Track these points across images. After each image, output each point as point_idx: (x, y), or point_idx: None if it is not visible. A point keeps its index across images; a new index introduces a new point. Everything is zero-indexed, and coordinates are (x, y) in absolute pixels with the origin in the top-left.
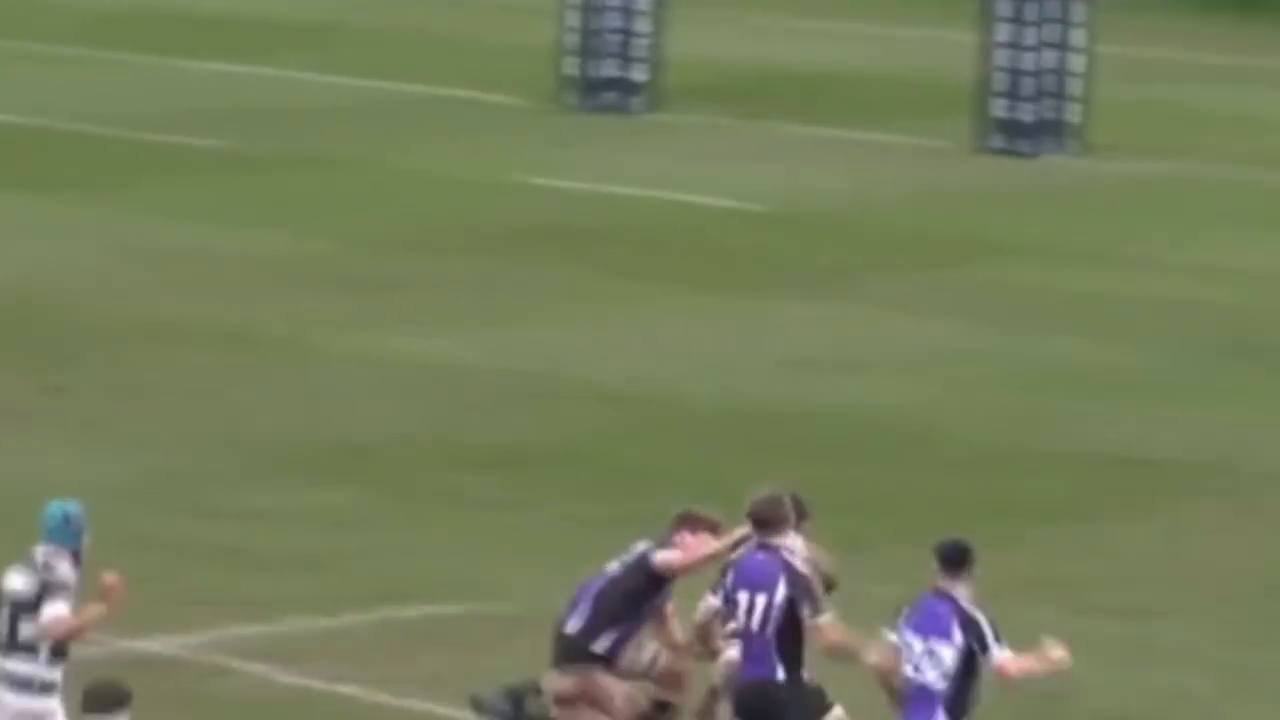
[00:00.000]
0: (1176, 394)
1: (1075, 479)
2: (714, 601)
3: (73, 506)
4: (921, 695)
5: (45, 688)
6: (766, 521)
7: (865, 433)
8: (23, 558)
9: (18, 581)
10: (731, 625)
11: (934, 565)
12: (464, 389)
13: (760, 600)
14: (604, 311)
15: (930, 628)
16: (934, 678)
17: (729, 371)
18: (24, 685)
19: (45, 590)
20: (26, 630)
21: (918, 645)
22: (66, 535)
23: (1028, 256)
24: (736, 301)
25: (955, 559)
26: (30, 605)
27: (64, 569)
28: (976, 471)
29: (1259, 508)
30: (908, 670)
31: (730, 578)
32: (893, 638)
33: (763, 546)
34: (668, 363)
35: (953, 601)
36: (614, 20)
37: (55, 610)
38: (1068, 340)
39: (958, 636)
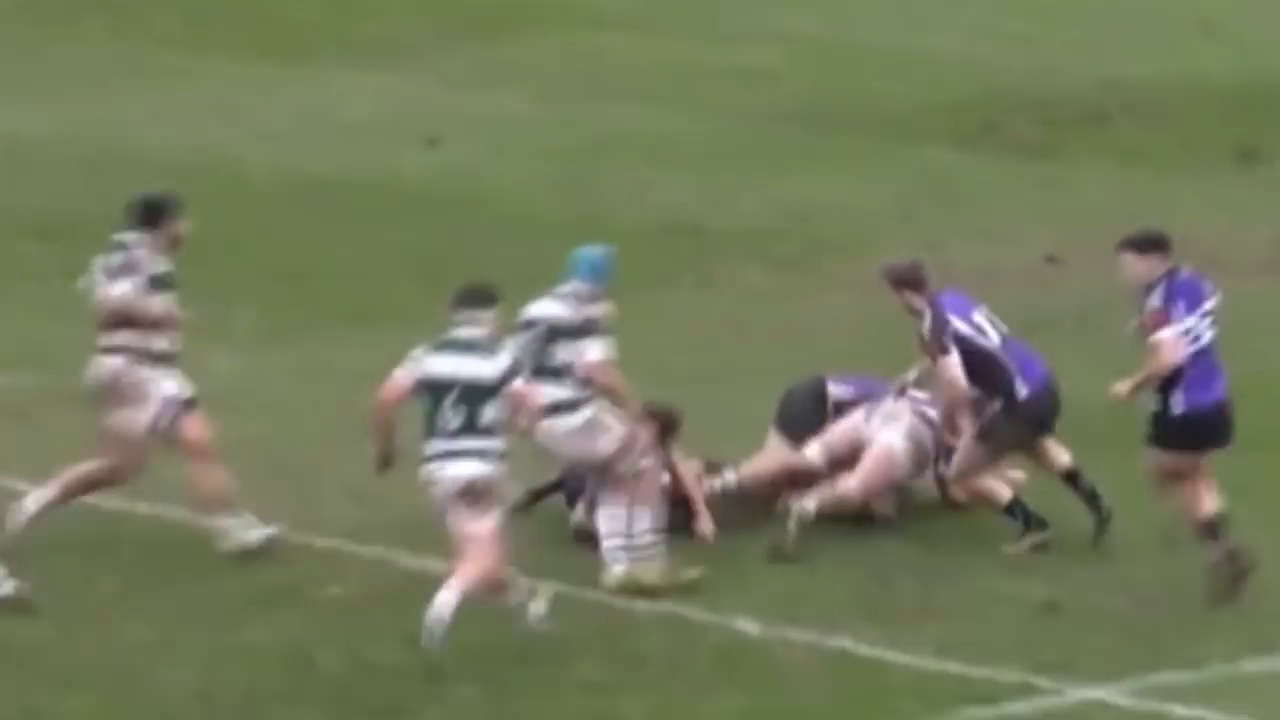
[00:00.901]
0: (733, 162)
1: (633, 246)
2: None
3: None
4: None
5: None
6: None
7: (421, 198)
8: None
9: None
10: None
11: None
12: (19, 159)
13: None
14: (162, 83)
15: None
16: None
17: (289, 141)
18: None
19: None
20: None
21: None
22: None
23: (582, 25)
24: (296, 71)
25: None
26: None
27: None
28: (526, 236)
29: (816, 271)
30: None
31: None
32: None
33: None
34: (228, 133)
35: None
36: None
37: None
38: (621, 108)
39: None
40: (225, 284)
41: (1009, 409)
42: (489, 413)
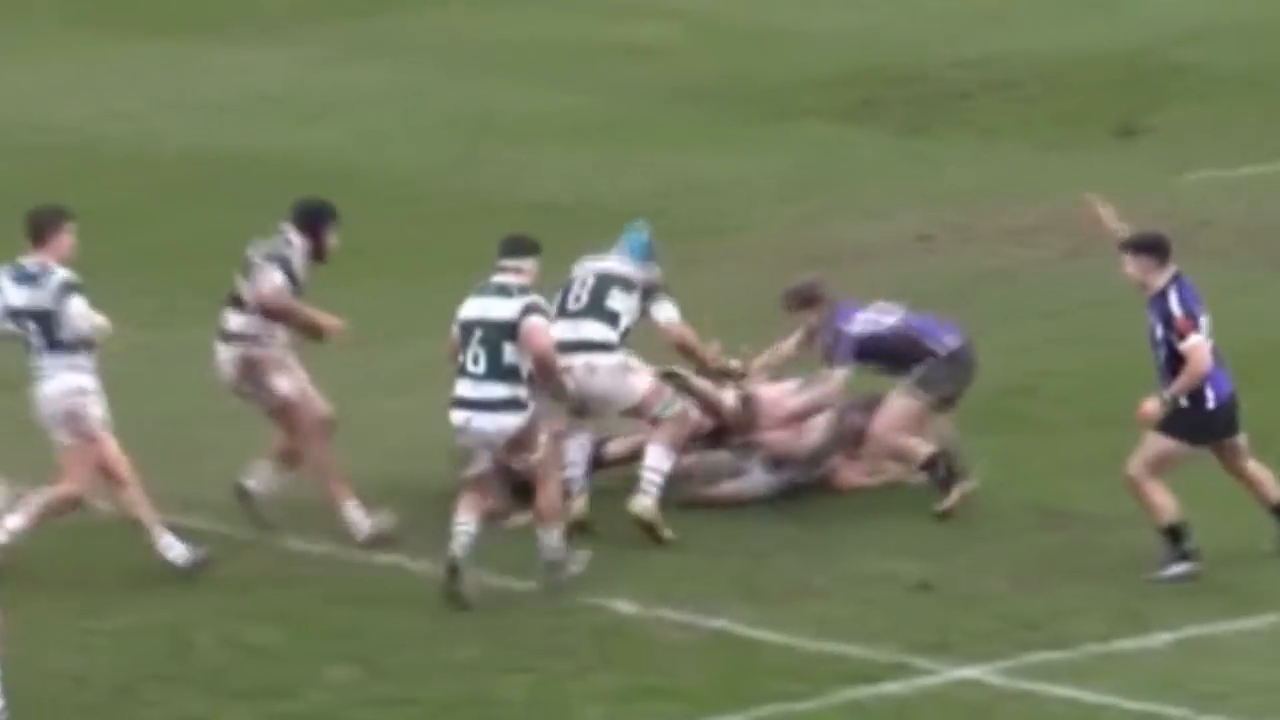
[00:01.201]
0: (615, 138)
1: (514, 223)
2: None
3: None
4: None
5: None
6: None
7: (294, 176)
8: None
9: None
10: None
11: None
12: None
13: None
14: (21, 58)
15: None
16: None
17: (149, 117)
18: None
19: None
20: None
21: None
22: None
23: (466, 1)
24: (158, 47)
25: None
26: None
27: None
28: (402, 213)
29: (699, 247)
30: None
31: None
32: None
33: None
34: (86, 109)
35: None
36: None
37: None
38: (502, 85)
39: None
40: (86, 263)
41: (944, 359)
42: (510, 354)
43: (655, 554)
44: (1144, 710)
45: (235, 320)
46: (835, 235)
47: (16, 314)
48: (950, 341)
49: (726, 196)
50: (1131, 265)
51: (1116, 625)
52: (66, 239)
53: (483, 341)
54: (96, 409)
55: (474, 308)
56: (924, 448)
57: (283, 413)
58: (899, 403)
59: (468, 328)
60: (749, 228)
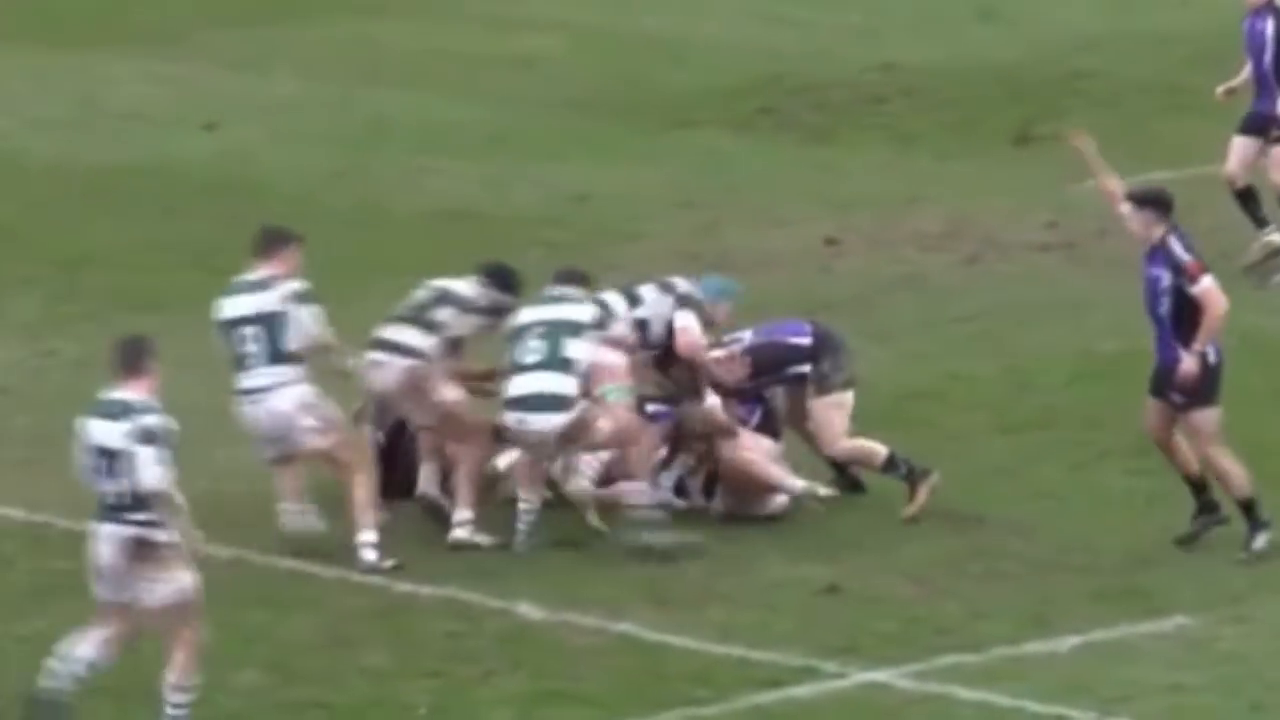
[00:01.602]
0: (512, 149)
1: (411, 232)
2: None
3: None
4: None
5: None
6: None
7: (199, 184)
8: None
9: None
10: None
11: None
12: None
13: None
14: None
15: None
16: None
17: (65, 129)
18: None
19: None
20: None
21: None
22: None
23: (361, 12)
24: (71, 58)
25: None
26: None
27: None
28: (304, 222)
29: (595, 257)
30: None
31: None
32: None
33: None
34: (3, 121)
35: None
36: None
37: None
38: (398, 95)
39: None
40: (3, 274)
41: (812, 357)
42: (573, 349)
43: (561, 558)
44: (1052, 713)
45: (410, 335)
46: (735, 243)
47: (235, 323)
48: (803, 337)
49: (621, 206)
50: (1134, 218)
51: (1025, 628)
52: (294, 255)
53: (545, 337)
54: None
55: (530, 314)
56: (880, 449)
57: (446, 420)
58: (822, 414)
59: (522, 329)
60: (645, 236)
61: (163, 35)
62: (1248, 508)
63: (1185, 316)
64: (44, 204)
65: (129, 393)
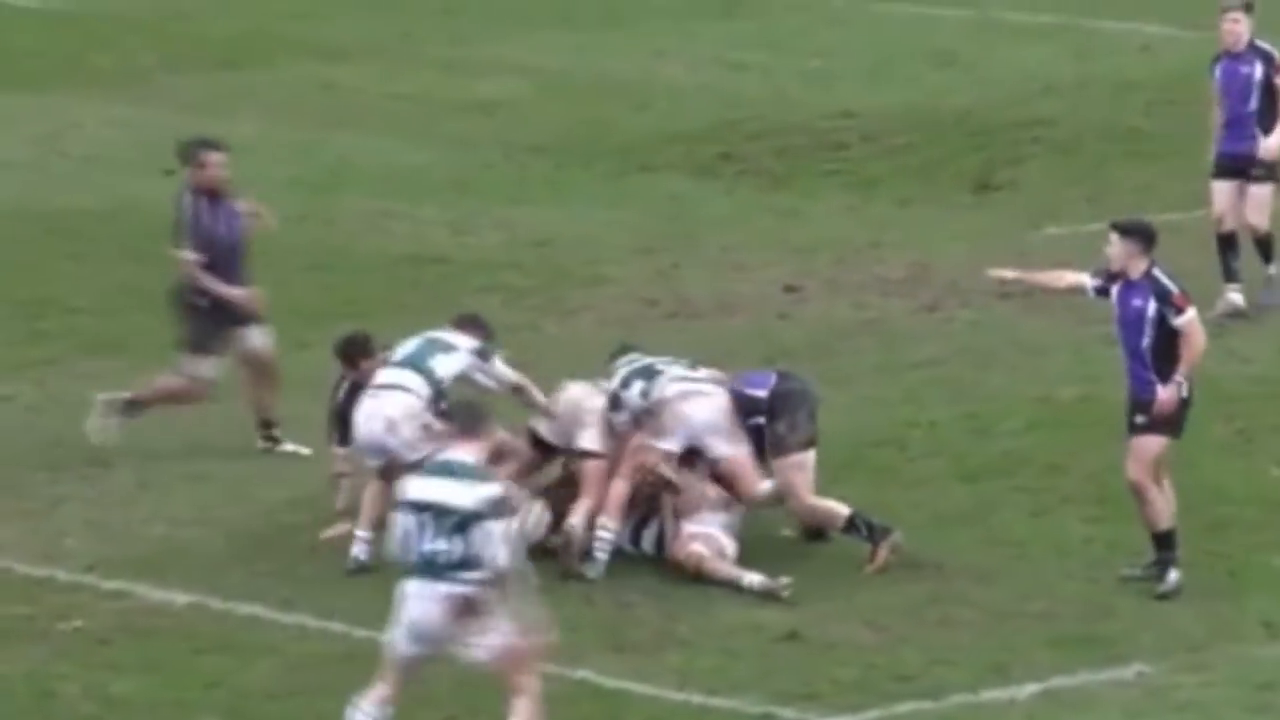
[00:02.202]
0: (474, 193)
1: (374, 276)
2: None
3: None
4: None
5: None
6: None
7: (160, 228)
8: None
9: None
10: None
11: None
12: None
13: None
14: None
15: None
16: None
17: (28, 171)
18: None
19: None
20: None
21: None
22: None
23: (323, 57)
24: (33, 101)
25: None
26: None
27: None
28: (265, 266)
29: (557, 301)
30: None
31: None
32: None
33: None
34: None
35: None
36: None
37: None
38: (360, 139)
39: None
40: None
41: (769, 412)
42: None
43: None
44: None
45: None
46: (695, 288)
47: None
48: (756, 388)
49: (582, 250)
50: (1117, 247)
51: (984, 676)
52: None
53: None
54: None
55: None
56: (842, 510)
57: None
58: (781, 477)
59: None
60: (606, 280)
61: (124, 79)
62: (1163, 541)
63: (1164, 349)
64: (4, 246)
65: (466, 454)
